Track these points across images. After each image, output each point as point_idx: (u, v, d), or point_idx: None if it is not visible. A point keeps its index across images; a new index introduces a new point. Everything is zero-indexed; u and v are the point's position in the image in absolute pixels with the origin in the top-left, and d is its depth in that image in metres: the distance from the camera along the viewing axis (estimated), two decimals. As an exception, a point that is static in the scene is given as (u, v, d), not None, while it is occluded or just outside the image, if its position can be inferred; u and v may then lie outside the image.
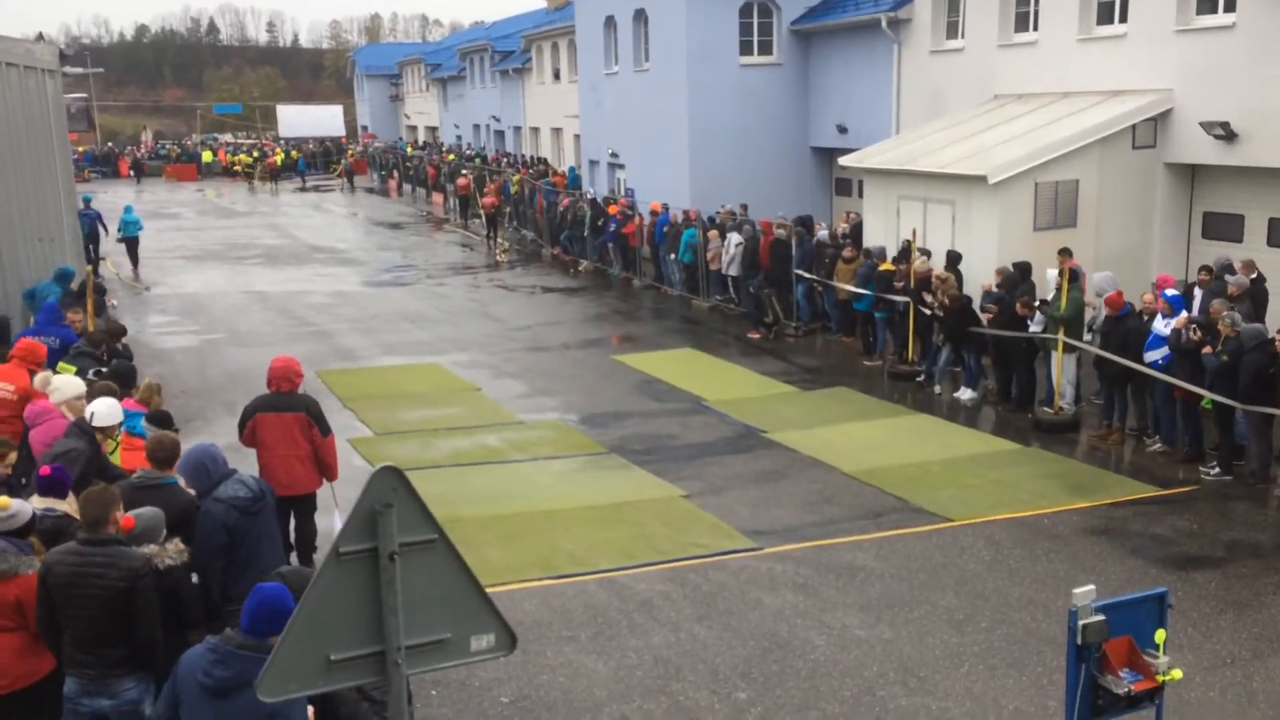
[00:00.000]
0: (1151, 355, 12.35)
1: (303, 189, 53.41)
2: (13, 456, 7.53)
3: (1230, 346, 11.34)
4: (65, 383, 8.86)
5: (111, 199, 43.71)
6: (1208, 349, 11.55)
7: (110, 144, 76.20)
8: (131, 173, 60.49)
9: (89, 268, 18.85)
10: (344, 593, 3.83)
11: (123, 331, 13.28)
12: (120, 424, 8.24)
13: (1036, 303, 14.07)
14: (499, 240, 31.33)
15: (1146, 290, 13.27)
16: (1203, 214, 17.04)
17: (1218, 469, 11.79)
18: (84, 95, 72.50)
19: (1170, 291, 12.56)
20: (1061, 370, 13.77)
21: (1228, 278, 13.28)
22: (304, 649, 3.82)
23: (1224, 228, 16.61)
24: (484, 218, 33.40)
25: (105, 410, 8.02)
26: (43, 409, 8.55)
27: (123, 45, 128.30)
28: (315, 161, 60.53)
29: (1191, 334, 11.79)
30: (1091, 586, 5.36)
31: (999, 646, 8.25)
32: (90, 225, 25.78)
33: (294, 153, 60.05)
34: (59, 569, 5.76)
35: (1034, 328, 14.03)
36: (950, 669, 7.95)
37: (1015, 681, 7.76)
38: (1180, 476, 11.97)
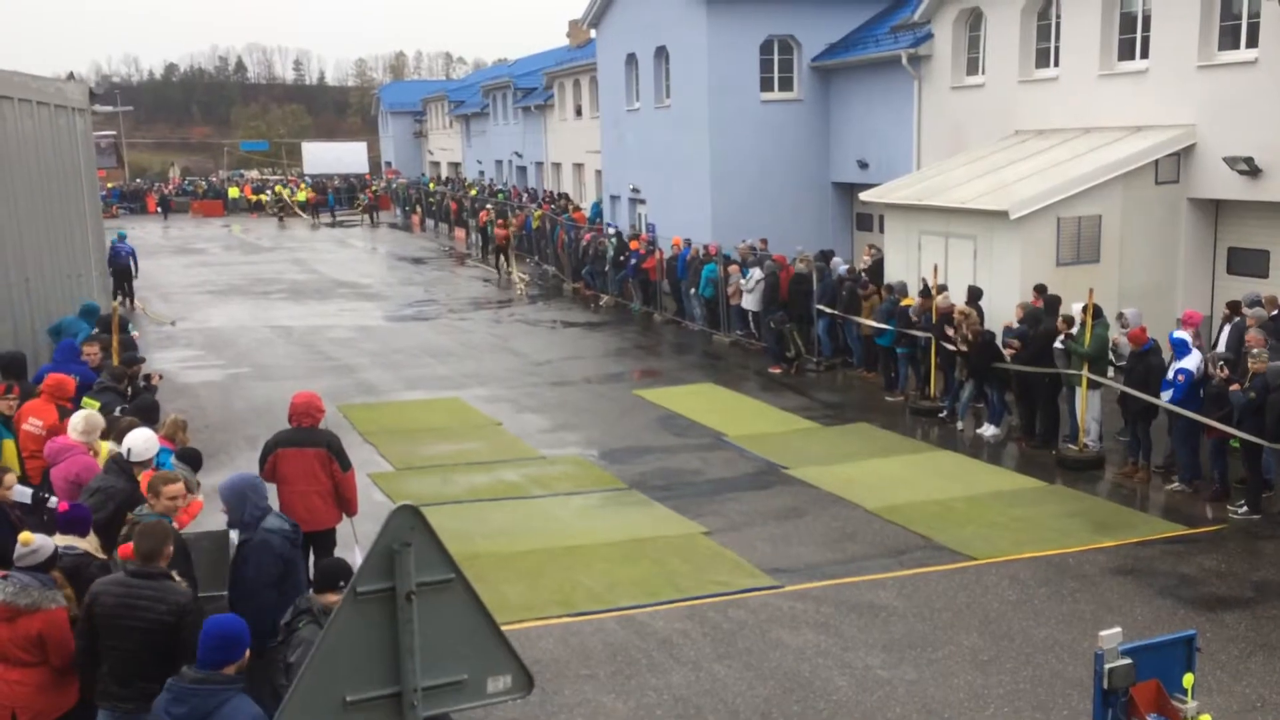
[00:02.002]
0: (1163, 395, 12.27)
1: (333, 224, 53.95)
2: (11, 479, 7.50)
3: (1257, 383, 11.22)
4: (83, 417, 8.85)
5: (139, 235, 44.26)
6: (1235, 386, 11.44)
7: (138, 180, 77.27)
8: (159, 209, 61.18)
9: (115, 302, 19.06)
10: (361, 633, 3.82)
11: (132, 362, 12.93)
12: (155, 456, 8.20)
13: (1061, 335, 13.99)
14: (512, 272, 31.70)
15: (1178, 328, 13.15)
16: (1227, 249, 16.93)
17: (1245, 507, 11.62)
18: (113, 132, 73.78)
19: (1176, 334, 12.42)
20: (1086, 407, 13.65)
21: (1245, 310, 13.18)
22: (320, 689, 3.81)
23: (1249, 263, 16.49)
24: (495, 250, 34.19)
25: (142, 444, 7.94)
26: (62, 445, 8.52)
27: (152, 83, 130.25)
28: (340, 197, 61.14)
29: (1219, 371, 11.68)
30: (1118, 629, 5.28)
31: (1024, 689, 8.13)
32: (124, 261, 26.16)
33: (310, 192, 60.30)
34: (105, 599, 5.79)
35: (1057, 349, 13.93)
36: (975, 711, 7.83)
37: (1041, 724, 7.64)
38: (1208, 515, 11.82)
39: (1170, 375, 12.17)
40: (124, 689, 5.75)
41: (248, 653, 5.16)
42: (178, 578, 6.06)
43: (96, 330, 14.02)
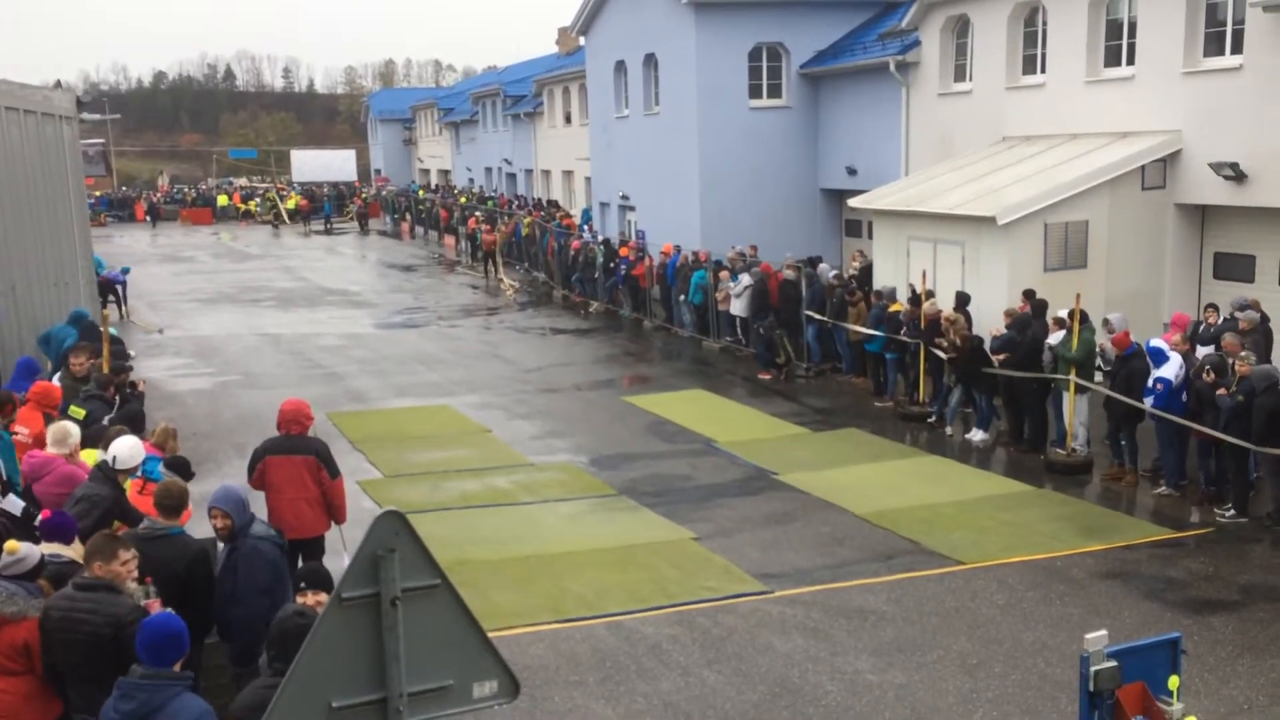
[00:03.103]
0: (1146, 401, 12.33)
1: (326, 231, 53.85)
2: None
3: (1244, 387, 11.27)
4: (53, 429, 8.77)
5: (128, 243, 44.17)
6: (1222, 390, 11.49)
7: (126, 188, 76.97)
8: (147, 216, 60.92)
9: (104, 311, 19.01)
10: (346, 639, 3.82)
11: (119, 370, 13.02)
12: (141, 464, 8.17)
13: (1048, 340, 14.03)
14: (501, 277, 31.76)
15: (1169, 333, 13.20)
16: (1214, 254, 17.01)
17: (1232, 510, 11.67)
18: (101, 140, 73.53)
19: (1154, 342, 12.47)
20: (1073, 411, 13.71)
21: (1237, 314, 13.24)
22: (305, 696, 3.80)
23: (1235, 268, 16.57)
24: (483, 256, 34.44)
25: (127, 452, 7.91)
26: (43, 461, 8.39)
27: (141, 91, 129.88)
28: (331, 205, 60.94)
29: (1205, 376, 11.72)
30: (1104, 632, 5.30)
31: (1013, 692, 8.14)
32: (111, 279, 26.24)
33: (302, 199, 60.02)
34: (53, 614, 5.77)
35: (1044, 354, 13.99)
36: (964, 715, 7.84)
37: (1029, 728, 7.65)
38: (1195, 518, 11.87)
39: (1150, 383, 12.24)
40: (83, 700, 5.72)
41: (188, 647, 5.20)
42: (131, 586, 6.00)
43: (83, 341, 13.98)
